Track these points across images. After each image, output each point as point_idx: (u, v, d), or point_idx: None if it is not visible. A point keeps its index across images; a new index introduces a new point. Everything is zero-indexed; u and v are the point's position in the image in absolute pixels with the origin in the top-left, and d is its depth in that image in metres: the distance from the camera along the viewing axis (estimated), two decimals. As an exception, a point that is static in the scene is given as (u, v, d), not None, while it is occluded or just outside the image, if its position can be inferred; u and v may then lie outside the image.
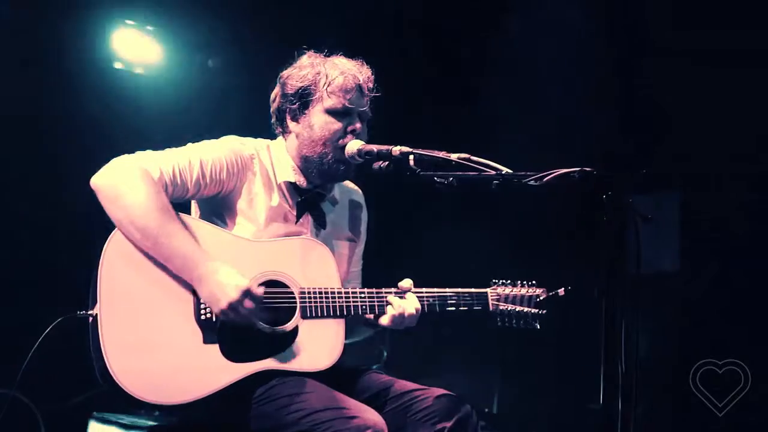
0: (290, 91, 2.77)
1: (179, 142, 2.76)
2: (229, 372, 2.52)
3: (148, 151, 2.63)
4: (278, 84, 2.83)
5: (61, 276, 3.74)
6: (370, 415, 2.48)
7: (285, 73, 2.82)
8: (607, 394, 2.14)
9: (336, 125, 2.73)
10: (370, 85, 2.79)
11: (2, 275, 4.27)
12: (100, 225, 2.58)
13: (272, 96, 2.86)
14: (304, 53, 2.83)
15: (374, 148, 2.67)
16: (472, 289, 2.90)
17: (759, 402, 4.47)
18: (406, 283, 2.80)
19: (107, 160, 2.59)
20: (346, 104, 2.73)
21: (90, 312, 2.47)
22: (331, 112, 2.73)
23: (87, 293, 2.50)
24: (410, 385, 2.72)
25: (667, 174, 4.76)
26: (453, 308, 2.85)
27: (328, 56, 2.82)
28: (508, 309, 2.91)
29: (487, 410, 5.01)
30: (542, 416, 5.02)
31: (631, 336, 2.16)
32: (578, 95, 4.88)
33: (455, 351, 5.04)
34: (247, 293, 2.48)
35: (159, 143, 2.73)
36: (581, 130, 4.83)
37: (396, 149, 2.61)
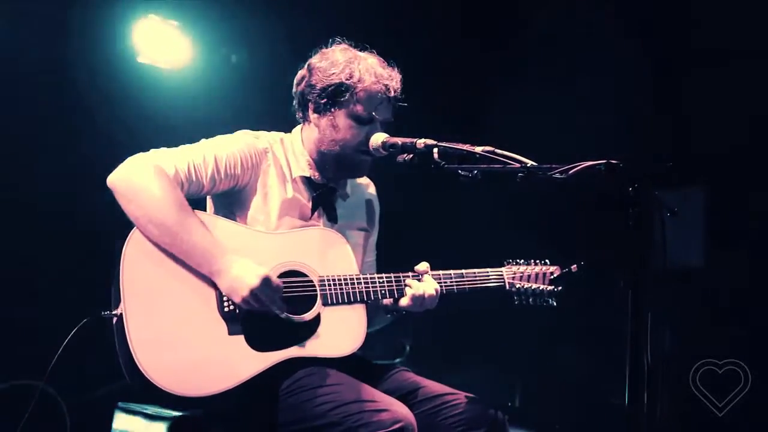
0: (318, 85, 2.76)
1: (202, 137, 2.78)
2: (256, 361, 2.54)
3: (163, 149, 2.66)
4: (306, 69, 2.82)
5: (91, 275, 3.78)
6: (400, 408, 2.49)
7: (315, 62, 2.80)
8: (632, 388, 2.13)
9: (358, 131, 2.74)
10: (399, 95, 2.79)
11: (33, 274, 4.32)
12: (124, 224, 2.60)
13: (297, 79, 2.84)
14: (337, 43, 2.82)
15: (399, 140, 2.68)
16: (488, 269, 2.91)
17: (759, 402, 4.45)
18: (423, 266, 2.81)
19: (123, 160, 2.61)
20: (373, 114, 2.73)
21: (114, 312, 2.50)
22: (355, 118, 2.74)
23: (110, 294, 2.53)
24: (441, 389, 2.72)
25: (693, 168, 4.72)
26: (470, 287, 2.86)
27: (363, 50, 2.80)
28: (524, 287, 2.92)
29: (509, 404, 5.00)
30: (564, 411, 5.00)
31: (657, 330, 2.15)
32: (605, 89, 4.85)
33: (477, 344, 5.03)
34: (265, 281, 2.51)
35: (182, 138, 2.75)
36: (607, 123, 4.80)
37: (420, 142, 2.61)
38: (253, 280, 2.50)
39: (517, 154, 2.43)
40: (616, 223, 2.19)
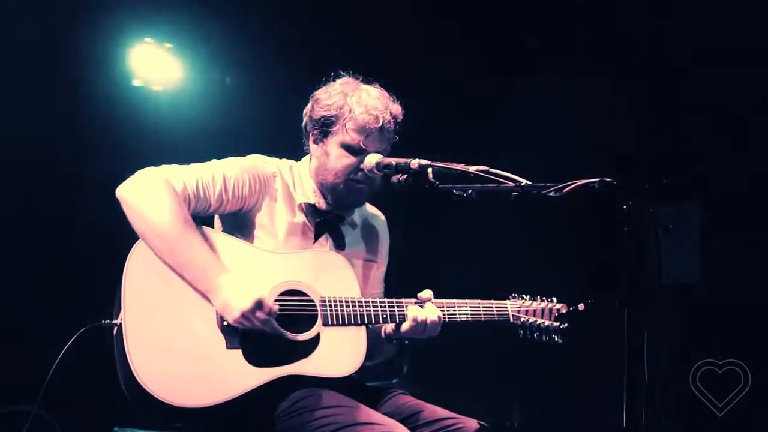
0: (315, 116, 2.81)
1: (197, 159, 2.78)
2: (252, 376, 2.54)
3: (173, 165, 2.69)
4: (310, 102, 2.87)
5: (88, 287, 3.79)
6: (402, 430, 2.49)
7: (316, 93, 2.85)
8: (631, 405, 2.12)
9: (349, 160, 2.76)
10: (393, 126, 2.79)
11: (31, 287, 4.33)
12: (125, 236, 2.60)
13: (304, 111, 2.89)
14: (340, 76, 2.85)
15: (393, 161, 2.68)
16: (493, 301, 2.91)
17: (759, 402, 4.45)
18: (426, 293, 2.81)
19: (128, 175, 2.63)
20: (362, 144, 2.75)
21: (114, 321, 2.51)
22: (346, 147, 2.76)
23: (112, 304, 2.54)
24: (440, 412, 2.71)
25: (688, 184, 4.73)
26: (473, 319, 2.85)
27: (364, 82, 2.83)
28: (530, 321, 2.92)
29: (508, 423, 4.98)
30: (563, 430, 4.99)
31: (655, 346, 2.14)
32: (597, 104, 4.87)
33: (476, 364, 5.02)
34: (258, 304, 2.50)
35: (177, 160, 2.75)
36: (601, 140, 4.82)
37: (414, 162, 2.61)
38: (245, 303, 2.50)
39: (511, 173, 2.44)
40: (613, 240, 2.20)
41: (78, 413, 4.31)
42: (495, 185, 2.43)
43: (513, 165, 2.49)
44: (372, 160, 2.72)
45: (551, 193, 2.29)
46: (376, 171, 2.72)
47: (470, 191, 2.48)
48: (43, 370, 2.68)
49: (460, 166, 2.51)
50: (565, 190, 2.26)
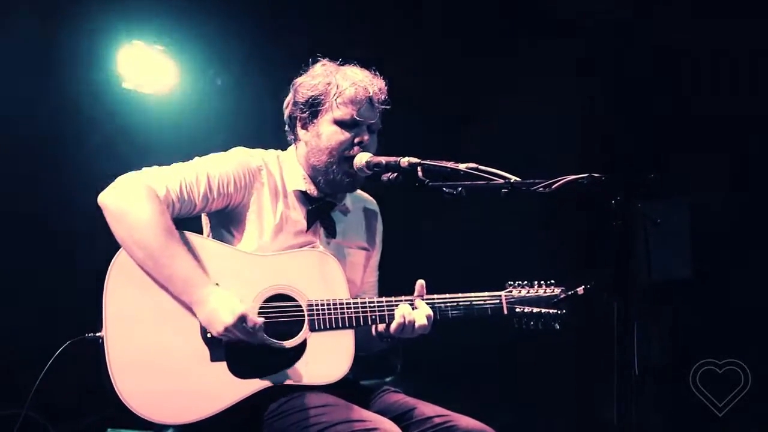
0: (301, 100, 2.79)
1: (187, 159, 2.78)
2: (237, 389, 2.52)
3: (155, 168, 2.65)
4: (291, 91, 2.85)
5: (76, 296, 3.79)
6: (390, 427, 2.49)
7: (298, 80, 2.84)
8: (621, 400, 2.13)
9: (343, 136, 2.74)
10: (382, 97, 2.79)
11: (20, 295, 4.32)
12: (111, 245, 2.60)
13: (285, 103, 2.88)
14: (319, 61, 2.85)
15: (383, 159, 2.68)
16: (485, 293, 2.84)
17: (759, 402, 4.47)
18: (417, 288, 2.76)
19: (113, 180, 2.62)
20: (355, 116, 2.74)
21: (98, 334, 2.49)
22: (339, 122, 2.74)
23: (99, 314, 2.53)
24: (432, 410, 2.69)
25: (676, 179, 4.75)
26: (467, 313, 2.80)
27: (342, 65, 2.83)
28: (525, 311, 2.83)
29: (499, 421, 4.98)
30: (555, 426, 5.00)
31: (644, 341, 2.16)
32: (586, 100, 4.88)
33: (469, 362, 5.02)
34: (242, 318, 2.48)
35: (167, 162, 2.75)
36: (589, 135, 4.84)
37: (404, 161, 2.62)
38: (228, 318, 2.47)
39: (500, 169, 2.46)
40: (602, 235, 2.21)
41: (71, 414, 4.30)
42: (485, 182, 2.44)
43: (501, 163, 2.51)
44: (362, 159, 2.72)
45: (540, 189, 2.30)
46: (366, 170, 2.72)
47: (460, 189, 2.48)
48: (39, 372, 2.69)
49: (450, 164, 2.52)
50: (554, 186, 2.28)
